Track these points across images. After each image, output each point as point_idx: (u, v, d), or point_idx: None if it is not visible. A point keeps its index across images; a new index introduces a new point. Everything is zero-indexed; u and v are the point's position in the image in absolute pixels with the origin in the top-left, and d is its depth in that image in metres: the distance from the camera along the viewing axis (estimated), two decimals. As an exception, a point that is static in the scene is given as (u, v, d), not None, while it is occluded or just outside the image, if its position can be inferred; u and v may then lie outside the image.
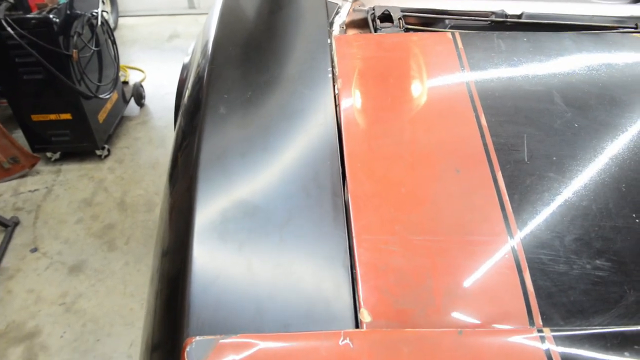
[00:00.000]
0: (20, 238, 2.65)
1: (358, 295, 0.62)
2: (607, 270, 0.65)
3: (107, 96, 3.15)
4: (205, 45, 1.12)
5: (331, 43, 0.99)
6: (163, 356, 0.66)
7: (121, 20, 5.32)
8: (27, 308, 2.30)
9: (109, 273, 2.45)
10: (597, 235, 0.69)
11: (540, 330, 0.55)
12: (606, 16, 1.23)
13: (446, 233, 0.68)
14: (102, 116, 3.13)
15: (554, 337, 0.54)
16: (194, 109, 0.96)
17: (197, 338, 0.55)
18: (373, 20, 1.06)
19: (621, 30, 1.14)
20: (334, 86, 0.90)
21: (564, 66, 0.99)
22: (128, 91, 3.68)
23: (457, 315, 0.61)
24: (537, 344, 0.54)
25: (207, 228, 0.71)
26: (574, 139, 0.84)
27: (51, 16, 2.54)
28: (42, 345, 2.15)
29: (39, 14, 2.55)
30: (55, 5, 2.64)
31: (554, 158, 0.80)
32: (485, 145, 0.80)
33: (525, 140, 0.83)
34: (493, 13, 1.14)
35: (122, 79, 3.64)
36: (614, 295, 0.62)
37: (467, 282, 0.63)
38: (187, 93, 1.09)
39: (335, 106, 0.86)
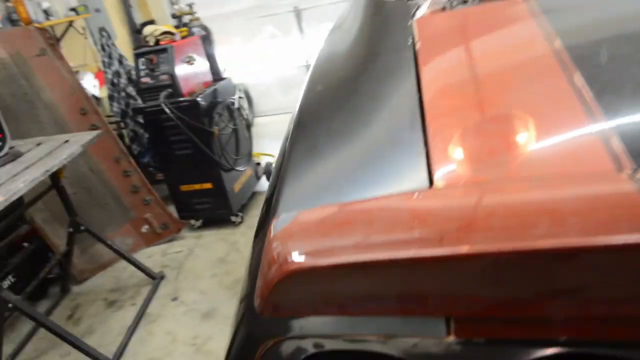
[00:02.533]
0: (164, 289, 2.97)
1: (431, 168, 0.64)
2: None
3: (242, 169, 3.57)
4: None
5: (412, 25, 1.10)
6: (263, 232, 0.76)
7: (256, 120, 6.10)
8: (165, 347, 2.50)
9: (235, 318, 2.59)
10: None
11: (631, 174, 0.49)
12: None
13: (518, 113, 0.68)
14: (237, 187, 3.52)
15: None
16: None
17: (284, 214, 0.63)
18: (451, 6, 1.15)
19: None
20: (414, 50, 1.00)
21: None
22: (260, 170, 4.12)
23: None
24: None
25: (300, 133, 0.87)
26: None
27: (199, 99, 3.07)
28: (174, 380, 2.29)
29: (189, 98, 3.11)
30: (202, 92, 3.19)
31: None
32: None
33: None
34: None
35: (255, 161, 4.11)
36: None
37: (545, 151, 0.61)
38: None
39: (415, 60, 0.96)
